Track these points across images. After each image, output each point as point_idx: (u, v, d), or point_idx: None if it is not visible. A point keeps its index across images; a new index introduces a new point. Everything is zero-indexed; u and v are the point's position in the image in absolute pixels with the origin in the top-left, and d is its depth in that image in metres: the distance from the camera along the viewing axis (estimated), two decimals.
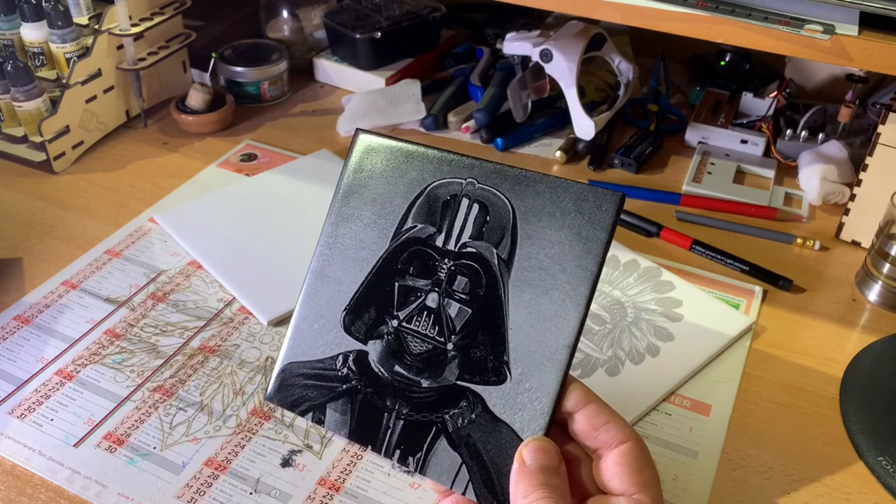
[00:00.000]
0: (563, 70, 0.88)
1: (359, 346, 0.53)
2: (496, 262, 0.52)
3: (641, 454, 0.43)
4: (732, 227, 0.83)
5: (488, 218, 0.53)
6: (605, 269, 0.75)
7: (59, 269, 0.76)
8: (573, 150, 0.94)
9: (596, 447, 0.44)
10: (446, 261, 0.53)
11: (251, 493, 0.56)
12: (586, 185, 0.50)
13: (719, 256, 0.78)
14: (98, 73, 0.91)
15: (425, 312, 0.53)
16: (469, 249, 0.53)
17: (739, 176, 0.91)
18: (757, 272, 0.76)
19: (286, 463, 0.59)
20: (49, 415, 0.62)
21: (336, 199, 0.56)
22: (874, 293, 0.74)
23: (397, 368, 0.52)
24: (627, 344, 0.68)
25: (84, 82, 0.90)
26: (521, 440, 0.47)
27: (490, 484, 0.47)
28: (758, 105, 0.96)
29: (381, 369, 0.53)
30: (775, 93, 0.96)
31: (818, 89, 1.02)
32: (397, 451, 0.51)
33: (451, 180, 0.54)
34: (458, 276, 0.53)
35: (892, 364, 0.67)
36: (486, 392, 0.50)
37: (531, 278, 0.50)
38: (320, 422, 0.52)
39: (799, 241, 0.80)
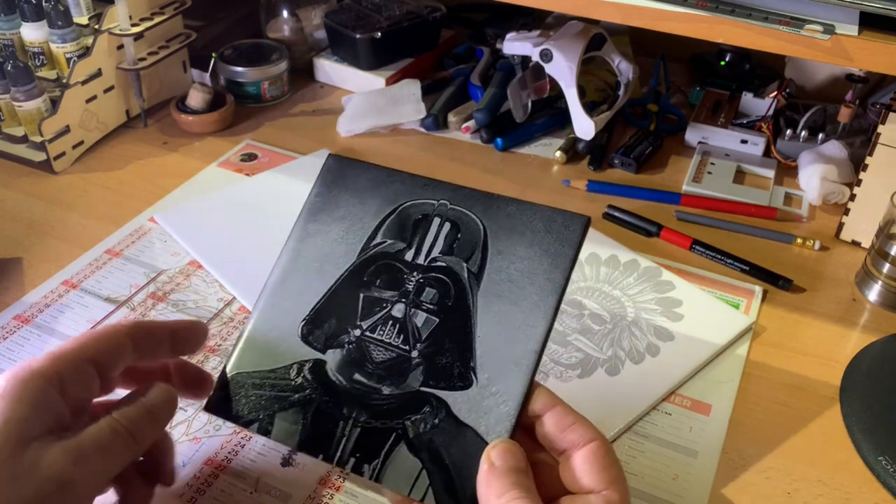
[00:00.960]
0: (563, 70, 0.89)
1: (316, 355, 0.53)
2: (466, 275, 0.53)
3: (609, 452, 0.44)
4: (732, 226, 0.83)
5: (459, 235, 0.54)
6: (605, 269, 0.75)
7: (60, 269, 0.76)
8: (573, 150, 0.94)
9: (564, 448, 0.45)
10: (415, 274, 0.54)
11: (251, 493, 0.56)
12: (555, 209, 0.53)
13: (719, 256, 0.78)
14: (98, 73, 0.91)
15: (390, 322, 0.53)
16: (439, 263, 0.54)
17: (739, 176, 0.91)
18: (757, 272, 0.76)
19: (286, 462, 0.59)
20: None
21: (302, 215, 0.57)
22: (874, 293, 0.74)
23: (357, 376, 0.52)
24: (627, 343, 0.68)
25: (84, 82, 0.90)
26: (486, 443, 0.47)
27: (451, 489, 0.47)
28: (758, 105, 0.96)
29: (340, 377, 0.52)
30: (775, 93, 0.96)
31: (818, 89, 1.02)
32: (352, 460, 0.50)
33: (423, 201, 0.56)
34: (427, 288, 0.53)
35: (892, 364, 0.67)
36: (451, 397, 0.49)
37: (501, 290, 0.52)
38: (266, 433, 0.51)
39: (799, 240, 0.80)
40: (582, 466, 0.44)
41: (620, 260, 0.76)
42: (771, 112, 0.95)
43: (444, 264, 0.53)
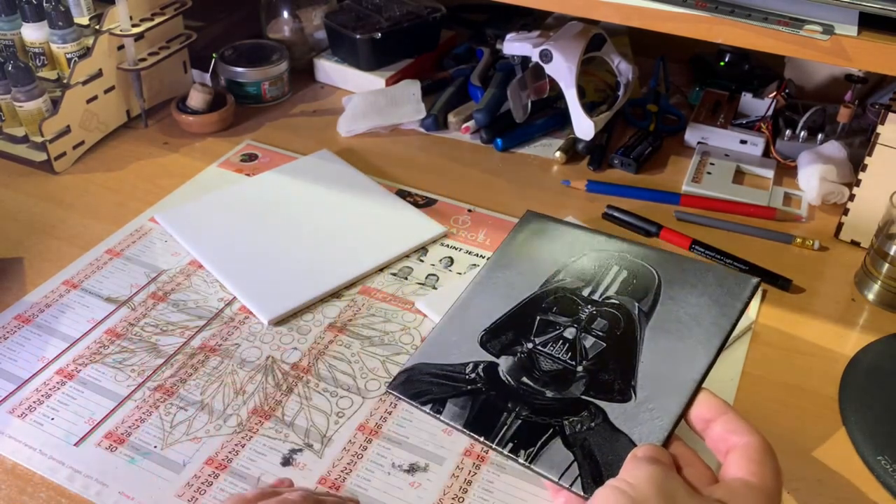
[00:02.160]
0: (562, 70, 0.89)
1: (491, 358, 0.59)
2: (636, 312, 0.59)
3: (762, 449, 0.46)
4: (732, 226, 0.83)
5: (634, 281, 0.61)
6: None
7: (60, 269, 0.76)
8: (573, 151, 0.94)
9: (727, 449, 0.47)
10: (589, 307, 0.61)
11: None
12: (728, 269, 0.61)
13: (719, 256, 0.78)
14: (99, 74, 0.91)
15: (561, 341, 0.59)
16: (612, 300, 0.61)
17: (739, 176, 0.91)
18: (756, 272, 0.76)
19: (287, 462, 0.59)
20: (50, 414, 0.62)
21: (497, 251, 0.66)
22: (873, 293, 0.74)
23: (524, 379, 0.57)
24: None
25: (85, 82, 0.90)
26: None
27: (599, 482, 0.49)
28: (757, 105, 0.97)
29: (509, 378, 0.58)
30: (774, 93, 0.96)
31: (817, 89, 1.02)
32: (510, 444, 0.54)
33: (603, 251, 0.64)
34: (599, 319, 0.60)
35: (890, 364, 0.67)
36: (609, 407, 0.54)
37: (668, 328, 0.58)
38: (438, 412, 0.57)
39: (798, 240, 0.81)
40: (736, 461, 0.45)
41: None
42: (770, 112, 0.95)
43: (617, 301, 0.60)
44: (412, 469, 0.58)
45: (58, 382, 0.64)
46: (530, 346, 0.59)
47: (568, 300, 0.61)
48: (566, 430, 0.54)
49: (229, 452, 0.59)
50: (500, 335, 0.61)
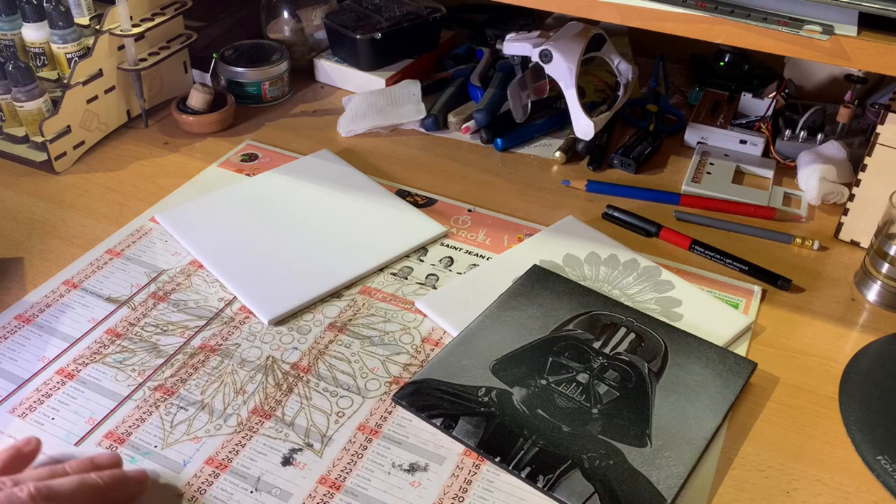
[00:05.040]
0: (562, 70, 0.89)
1: (504, 386, 0.61)
2: (646, 371, 0.63)
3: None
4: (731, 226, 0.83)
5: (643, 344, 0.65)
6: (604, 269, 0.75)
7: (61, 269, 0.76)
8: (573, 151, 0.94)
9: None
10: (600, 358, 0.64)
11: (252, 492, 0.57)
12: (728, 350, 0.65)
13: (718, 256, 0.78)
14: (99, 74, 0.91)
15: (574, 384, 0.62)
16: (623, 357, 0.64)
17: (738, 176, 0.91)
18: (756, 272, 0.76)
19: (287, 461, 0.59)
20: (50, 414, 0.62)
21: (505, 292, 0.70)
22: (873, 293, 0.74)
23: (539, 411, 0.59)
24: None
25: (85, 82, 0.90)
26: (657, 490, 0.54)
27: None
28: (757, 105, 0.97)
29: (524, 407, 0.60)
30: (774, 93, 0.96)
31: (817, 90, 1.02)
32: (528, 468, 0.56)
33: (612, 314, 0.68)
34: (610, 370, 0.63)
35: (890, 363, 0.67)
36: (626, 449, 0.57)
37: (677, 389, 0.62)
38: (450, 427, 0.58)
39: (798, 240, 0.81)
40: None
41: (620, 259, 0.77)
42: (770, 112, 0.95)
43: (627, 359, 0.64)
44: (412, 469, 0.58)
45: (58, 382, 0.64)
46: (544, 382, 0.61)
47: (579, 349, 0.64)
48: (584, 463, 0.55)
49: (229, 452, 0.59)
50: (512, 367, 0.63)
